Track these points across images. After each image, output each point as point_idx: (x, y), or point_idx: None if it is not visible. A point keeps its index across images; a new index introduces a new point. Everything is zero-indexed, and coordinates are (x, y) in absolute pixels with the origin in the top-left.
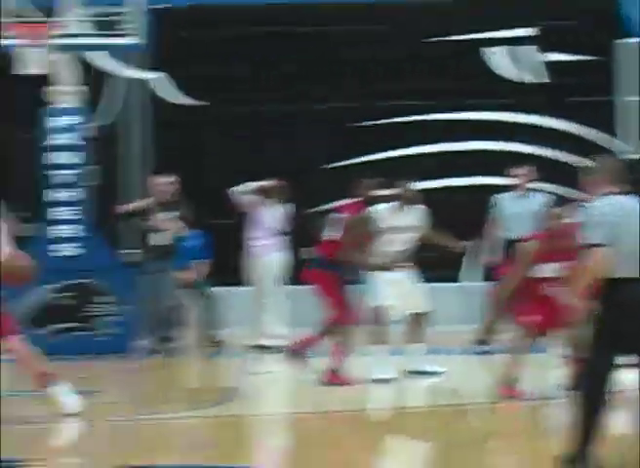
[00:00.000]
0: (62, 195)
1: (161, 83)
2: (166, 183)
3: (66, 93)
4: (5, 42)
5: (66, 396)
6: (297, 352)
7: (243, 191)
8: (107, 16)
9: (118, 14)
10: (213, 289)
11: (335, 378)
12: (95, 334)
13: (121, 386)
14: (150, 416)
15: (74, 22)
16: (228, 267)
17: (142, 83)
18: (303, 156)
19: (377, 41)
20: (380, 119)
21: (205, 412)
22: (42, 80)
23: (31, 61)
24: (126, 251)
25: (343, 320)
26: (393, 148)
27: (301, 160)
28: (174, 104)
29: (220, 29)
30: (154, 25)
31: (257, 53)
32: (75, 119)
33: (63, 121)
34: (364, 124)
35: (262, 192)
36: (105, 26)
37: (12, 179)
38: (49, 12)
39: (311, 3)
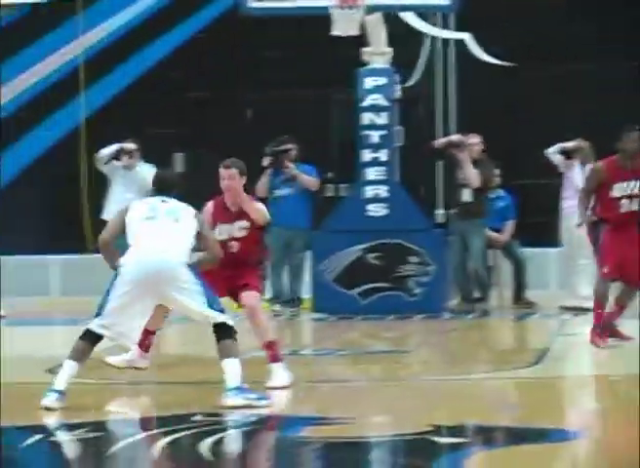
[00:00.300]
0: (374, 155)
1: (467, 43)
2: (473, 143)
3: (377, 53)
4: (323, 4)
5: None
6: (603, 332)
7: (555, 151)
8: None
9: None
10: (523, 249)
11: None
12: (406, 294)
13: (432, 346)
14: (461, 376)
15: None
16: (539, 228)
17: (449, 43)
18: (614, 116)
19: None
20: None
21: (515, 373)
22: (357, 41)
23: (346, 22)
24: (437, 211)
25: (623, 277)
26: None
27: (612, 120)
28: (479, 64)
29: None
30: None
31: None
32: (385, 79)
33: (374, 81)
34: None
35: (572, 153)
36: None
37: (328, 140)
38: None
39: None
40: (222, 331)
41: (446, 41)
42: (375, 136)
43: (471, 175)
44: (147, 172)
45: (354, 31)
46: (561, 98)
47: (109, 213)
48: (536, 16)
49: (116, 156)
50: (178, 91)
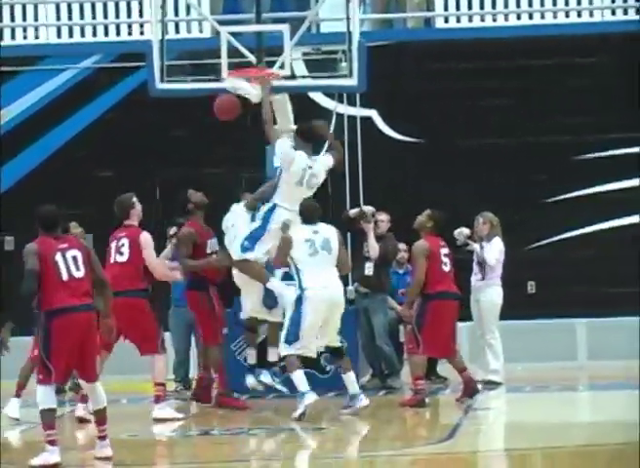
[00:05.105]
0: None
1: (372, 119)
2: (381, 219)
3: (284, 131)
4: (227, 84)
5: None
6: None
7: (459, 232)
8: (325, 53)
9: (336, 52)
10: None
11: None
12: (317, 372)
13: (344, 423)
14: (373, 453)
15: (292, 62)
16: None
17: (356, 119)
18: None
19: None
20: None
21: (427, 449)
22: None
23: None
24: (347, 288)
25: None
26: None
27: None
28: (385, 141)
29: (431, 65)
30: (369, 63)
31: (468, 88)
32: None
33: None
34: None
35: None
36: (323, 66)
37: None
38: (265, 52)
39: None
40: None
41: (352, 117)
42: None
43: (373, 247)
44: None
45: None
46: (470, 173)
47: None
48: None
49: None
50: (87, 170)
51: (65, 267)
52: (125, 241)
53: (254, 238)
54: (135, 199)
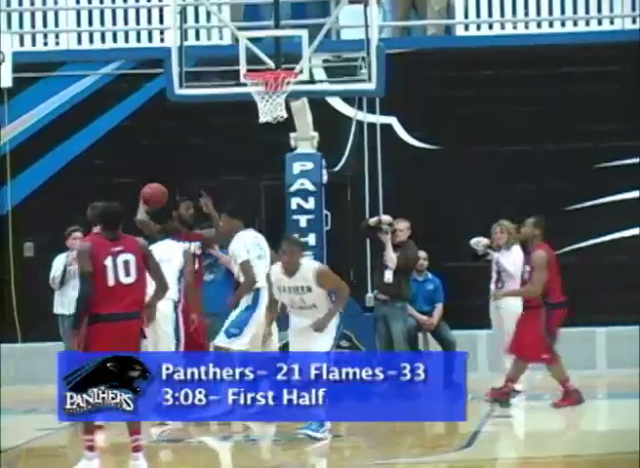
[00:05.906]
0: (302, 240)
1: (392, 126)
2: (400, 227)
3: (304, 138)
4: (248, 90)
5: None
6: None
7: (477, 242)
8: (344, 61)
9: (355, 59)
10: (452, 332)
11: None
12: None
13: (363, 430)
14: (392, 461)
15: (309, 68)
16: (468, 310)
17: (375, 126)
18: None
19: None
20: None
21: (446, 457)
22: (285, 126)
23: (272, 108)
24: (367, 295)
25: None
26: None
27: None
28: (404, 148)
29: (450, 72)
30: (388, 69)
31: (487, 95)
32: (312, 164)
33: (302, 166)
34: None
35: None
36: (341, 71)
37: (260, 225)
38: (283, 58)
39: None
40: None
41: (372, 125)
42: (303, 221)
43: (390, 258)
44: None
45: (282, 114)
46: (490, 180)
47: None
48: (457, 97)
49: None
50: (104, 178)
51: (114, 272)
52: None
53: (241, 323)
54: None
